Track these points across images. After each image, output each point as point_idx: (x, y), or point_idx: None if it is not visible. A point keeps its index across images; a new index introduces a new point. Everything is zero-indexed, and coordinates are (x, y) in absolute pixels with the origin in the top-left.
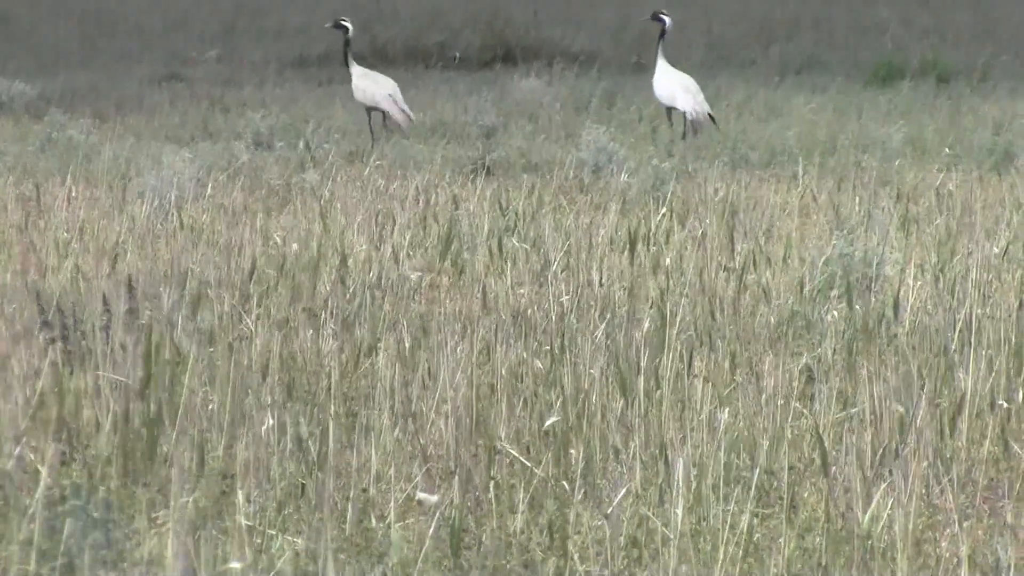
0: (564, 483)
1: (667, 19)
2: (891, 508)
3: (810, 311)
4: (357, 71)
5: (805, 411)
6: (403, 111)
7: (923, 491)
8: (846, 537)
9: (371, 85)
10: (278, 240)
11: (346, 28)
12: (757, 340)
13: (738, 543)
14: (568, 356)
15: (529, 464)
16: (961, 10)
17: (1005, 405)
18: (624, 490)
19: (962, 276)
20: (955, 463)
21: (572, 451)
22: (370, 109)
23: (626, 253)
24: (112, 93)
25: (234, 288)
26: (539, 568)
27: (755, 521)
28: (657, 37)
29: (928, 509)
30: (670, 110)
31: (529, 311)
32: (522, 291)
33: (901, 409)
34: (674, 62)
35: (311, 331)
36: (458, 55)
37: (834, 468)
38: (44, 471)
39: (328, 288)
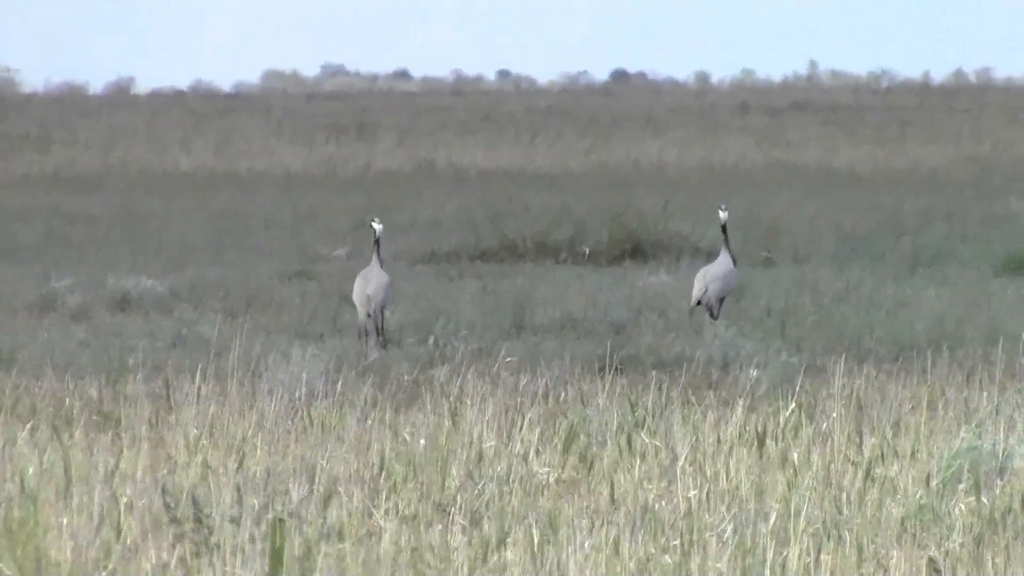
0: None
1: (723, 214)
2: None
3: (938, 504)
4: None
5: None
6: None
7: None
8: None
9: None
10: (407, 436)
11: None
12: (884, 533)
13: None
14: (696, 551)
15: None
16: None
17: None
18: None
19: None
20: None
21: None
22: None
23: (754, 448)
24: (242, 289)
25: (363, 484)
26: None
27: None
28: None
29: None
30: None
31: (657, 506)
32: (650, 486)
33: None
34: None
35: (440, 526)
36: (588, 250)
37: None
38: None
39: (457, 483)
